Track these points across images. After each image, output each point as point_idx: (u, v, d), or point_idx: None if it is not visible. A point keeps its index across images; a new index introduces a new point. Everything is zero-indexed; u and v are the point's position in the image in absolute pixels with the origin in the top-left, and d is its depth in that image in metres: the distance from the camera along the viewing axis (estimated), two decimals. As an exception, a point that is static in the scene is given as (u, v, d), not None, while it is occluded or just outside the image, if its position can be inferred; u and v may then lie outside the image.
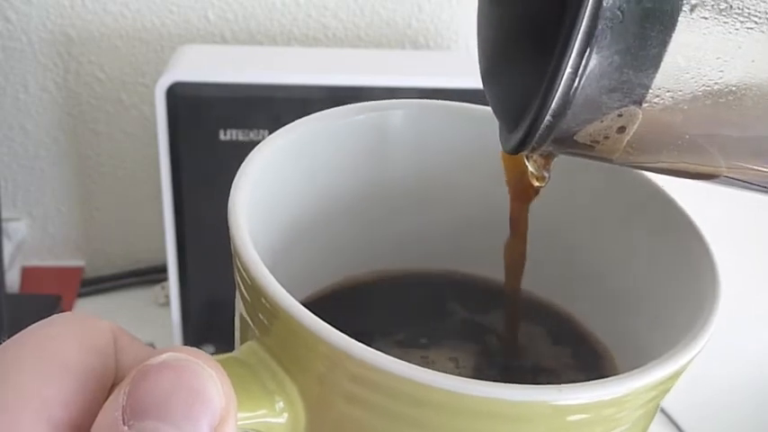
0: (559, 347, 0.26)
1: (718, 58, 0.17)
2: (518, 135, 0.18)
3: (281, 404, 0.19)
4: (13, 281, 0.71)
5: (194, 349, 0.17)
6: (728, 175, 0.20)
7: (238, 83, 0.55)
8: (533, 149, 0.19)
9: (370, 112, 0.26)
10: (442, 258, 0.28)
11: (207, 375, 0.17)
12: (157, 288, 0.72)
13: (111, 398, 0.17)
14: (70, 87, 0.69)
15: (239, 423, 0.18)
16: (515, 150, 0.19)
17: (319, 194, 0.26)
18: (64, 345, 0.18)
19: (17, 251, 0.72)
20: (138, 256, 0.75)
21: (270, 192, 0.23)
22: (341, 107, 0.25)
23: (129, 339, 0.19)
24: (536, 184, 0.22)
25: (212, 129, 0.56)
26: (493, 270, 0.27)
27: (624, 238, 0.25)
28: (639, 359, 0.18)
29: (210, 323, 0.61)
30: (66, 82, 0.69)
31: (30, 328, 0.18)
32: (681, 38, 0.17)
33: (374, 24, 0.69)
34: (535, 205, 0.24)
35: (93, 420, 0.17)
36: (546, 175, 0.22)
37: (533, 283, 0.26)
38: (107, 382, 0.18)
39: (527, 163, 0.21)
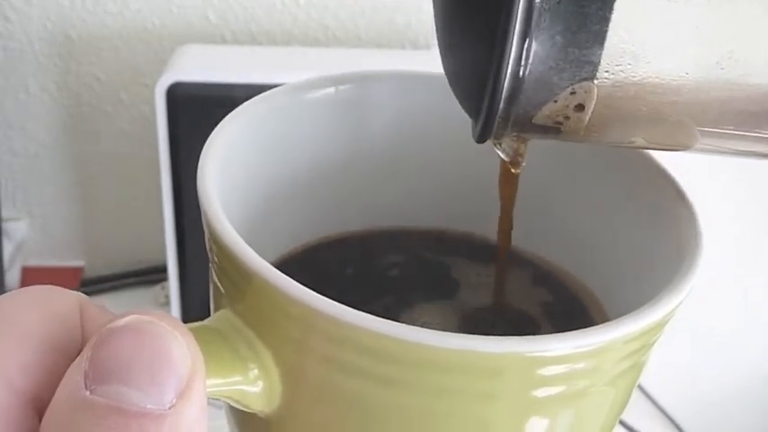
0: (547, 301, 0.26)
1: (662, 28, 0.17)
2: (479, 125, 0.18)
3: (256, 371, 0.18)
4: (12, 281, 0.71)
5: (160, 312, 0.17)
6: (703, 143, 0.20)
7: (238, 83, 0.55)
8: (498, 137, 0.19)
9: (348, 83, 0.25)
10: (424, 219, 0.28)
11: (171, 337, 0.16)
12: (157, 288, 0.72)
13: (74, 363, 0.16)
14: (70, 87, 0.69)
15: (211, 390, 0.18)
16: (480, 139, 0.19)
17: (296, 162, 0.25)
18: (25, 313, 0.17)
19: (17, 251, 0.72)
20: (138, 256, 0.75)
21: (244, 161, 0.23)
22: (320, 76, 0.25)
23: (96, 309, 0.19)
24: (512, 171, 0.22)
25: (212, 129, 0.56)
26: (478, 227, 0.26)
27: (603, 194, 0.25)
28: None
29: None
30: (67, 82, 0.69)
31: None
32: (621, 12, 0.17)
33: (374, 24, 0.69)
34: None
35: (56, 389, 0.16)
36: (519, 160, 0.22)
37: (522, 240, 0.26)
38: (71, 352, 0.17)
39: (497, 150, 0.21)
